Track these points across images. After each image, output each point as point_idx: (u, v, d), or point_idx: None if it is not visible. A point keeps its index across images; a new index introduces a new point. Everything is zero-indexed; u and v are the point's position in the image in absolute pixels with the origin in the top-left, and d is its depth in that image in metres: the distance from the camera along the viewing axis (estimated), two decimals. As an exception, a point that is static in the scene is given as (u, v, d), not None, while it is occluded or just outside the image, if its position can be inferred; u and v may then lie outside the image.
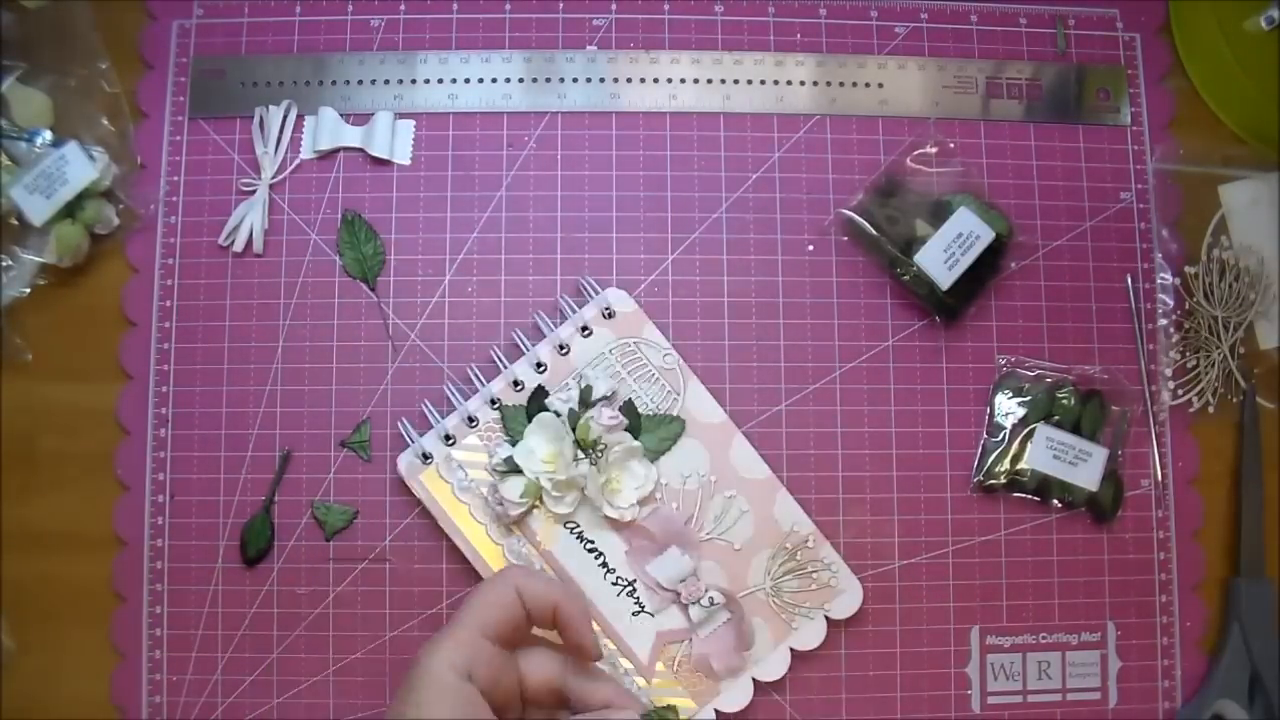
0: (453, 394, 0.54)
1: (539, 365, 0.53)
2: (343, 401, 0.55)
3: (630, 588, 0.52)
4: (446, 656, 0.39)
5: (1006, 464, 0.55)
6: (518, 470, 0.52)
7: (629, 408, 0.53)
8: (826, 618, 0.53)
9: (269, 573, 0.53)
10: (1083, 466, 0.54)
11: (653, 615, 0.52)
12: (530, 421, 0.52)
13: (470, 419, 0.53)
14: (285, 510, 0.54)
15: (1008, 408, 0.55)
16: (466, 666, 0.39)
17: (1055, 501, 0.55)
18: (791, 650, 0.52)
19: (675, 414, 0.53)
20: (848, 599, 0.53)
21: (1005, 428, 0.55)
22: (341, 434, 0.55)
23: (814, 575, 0.53)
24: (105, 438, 0.55)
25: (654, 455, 0.53)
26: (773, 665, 0.52)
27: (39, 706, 0.53)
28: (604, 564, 0.52)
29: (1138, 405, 0.56)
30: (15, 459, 0.54)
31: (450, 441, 0.53)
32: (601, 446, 0.51)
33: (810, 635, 0.52)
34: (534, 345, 0.54)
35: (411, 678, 0.39)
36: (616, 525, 0.52)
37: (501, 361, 0.54)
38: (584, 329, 0.54)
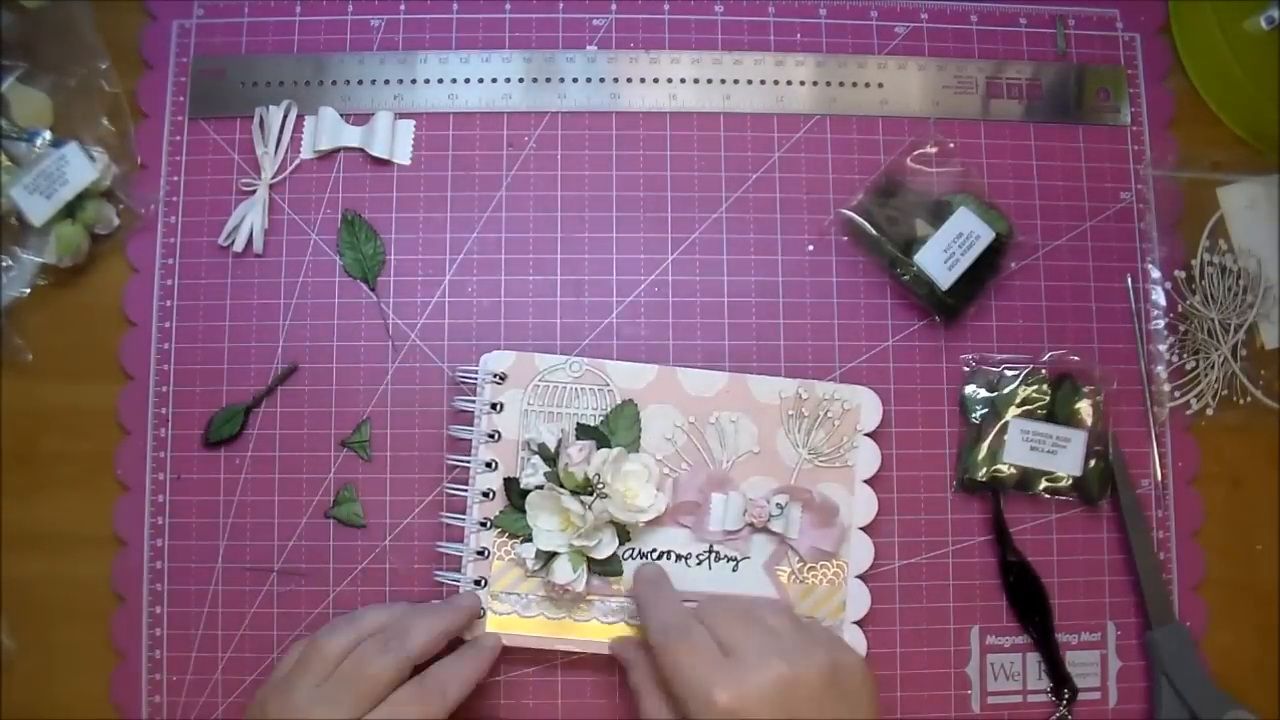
0: (446, 548, 0.53)
1: (489, 464, 0.52)
2: (343, 401, 0.55)
3: (713, 554, 0.52)
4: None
5: (985, 462, 0.55)
6: (553, 554, 0.51)
7: (583, 430, 0.53)
8: (864, 435, 0.54)
9: (269, 573, 0.54)
10: (1063, 453, 0.54)
11: (749, 557, 0.52)
12: (525, 512, 0.51)
13: (481, 552, 0.52)
14: (286, 509, 0.54)
15: (978, 405, 0.55)
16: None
17: (1042, 493, 0.55)
18: (866, 484, 0.54)
19: (619, 401, 0.53)
20: (869, 413, 0.54)
21: (979, 426, 0.55)
22: (341, 434, 0.55)
23: (829, 416, 0.53)
24: (105, 438, 0.55)
25: (635, 445, 0.53)
26: (866, 508, 0.54)
27: (39, 706, 0.53)
28: (676, 556, 0.52)
29: (1110, 382, 0.56)
30: (15, 459, 0.54)
31: (482, 584, 0.52)
32: (594, 476, 0.51)
33: (869, 464, 0.54)
34: (469, 454, 0.53)
35: None
36: (659, 522, 0.52)
37: (458, 489, 0.53)
38: (493, 406, 0.53)
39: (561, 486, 0.51)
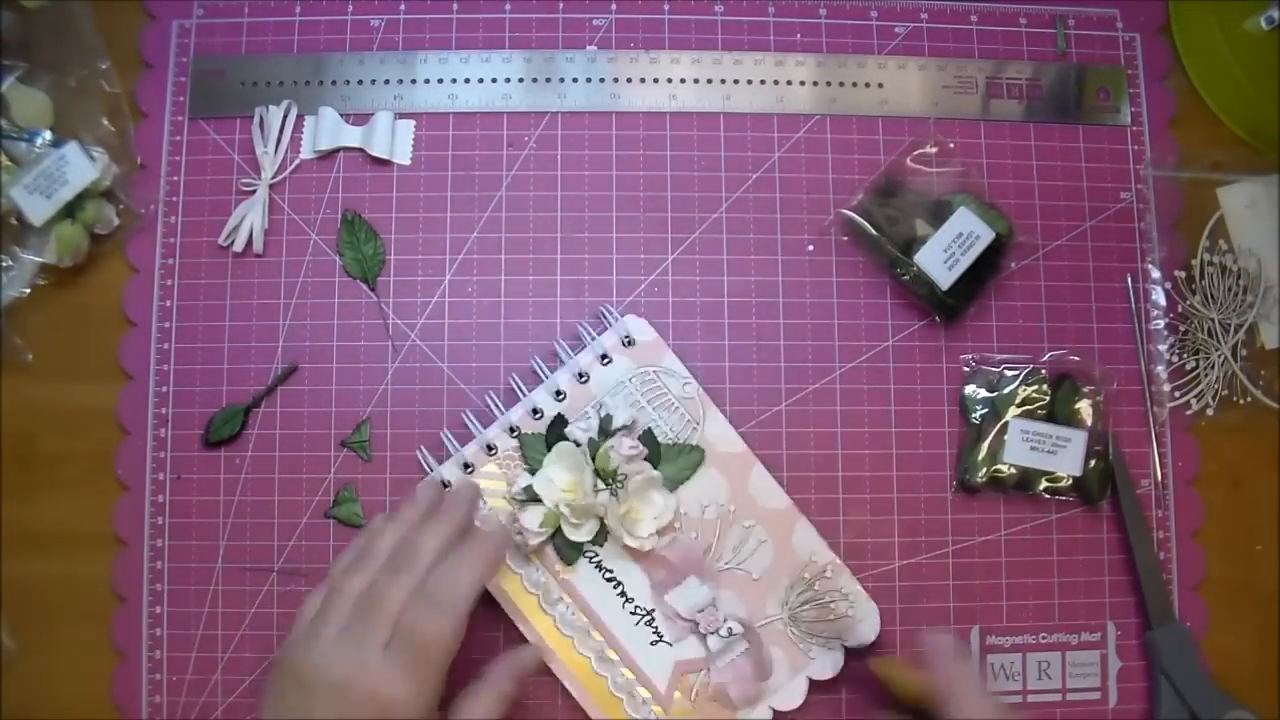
0: (471, 421, 0.53)
1: (558, 393, 0.53)
2: (343, 401, 0.55)
3: (649, 617, 0.52)
4: (425, 704, 0.43)
5: (985, 462, 0.55)
6: (537, 499, 0.51)
7: (649, 437, 0.53)
8: (845, 647, 0.52)
9: (269, 573, 0.53)
10: (1063, 453, 0.54)
11: (671, 645, 0.52)
12: (550, 450, 0.52)
13: (489, 447, 0.53)
14: (286, 509, 0.54)
15: (978, 405, 0.55)
16: (435, 706, 0.43)
17: (1042, 493, 0.55)
18: (810, 680, 0.52)
19: (694, 443, 0.53)
20: (865, 628, 0.53)
21: (979, 426, 0.55)
22: (341, 434, 0.55)
23: (831, 605, 0.53)
24: (105, 438, 0.55)
25: (673, 484, 0.53)
26: (790, 694, 0.52)
27: (39, 706, 0.53)
28: (622, 593, 0.52)
29: (1110, 382, 0.56)
30: (15, 459, 0.54)
31: (469, 469, 0.53)
32: (621, 476, 0.51)
33: (827, 665, 0.52)
34: (552, 372, 0.54)
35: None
36: (636, 555, 0.52)
37: (520, 389, 0.54)
38: (603, 357, 0.53)
39: (593, 460, 0.51)
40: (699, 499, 0.53)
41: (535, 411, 0.53)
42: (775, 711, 0.52)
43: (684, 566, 0.52)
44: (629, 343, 0.53)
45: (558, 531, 0.52)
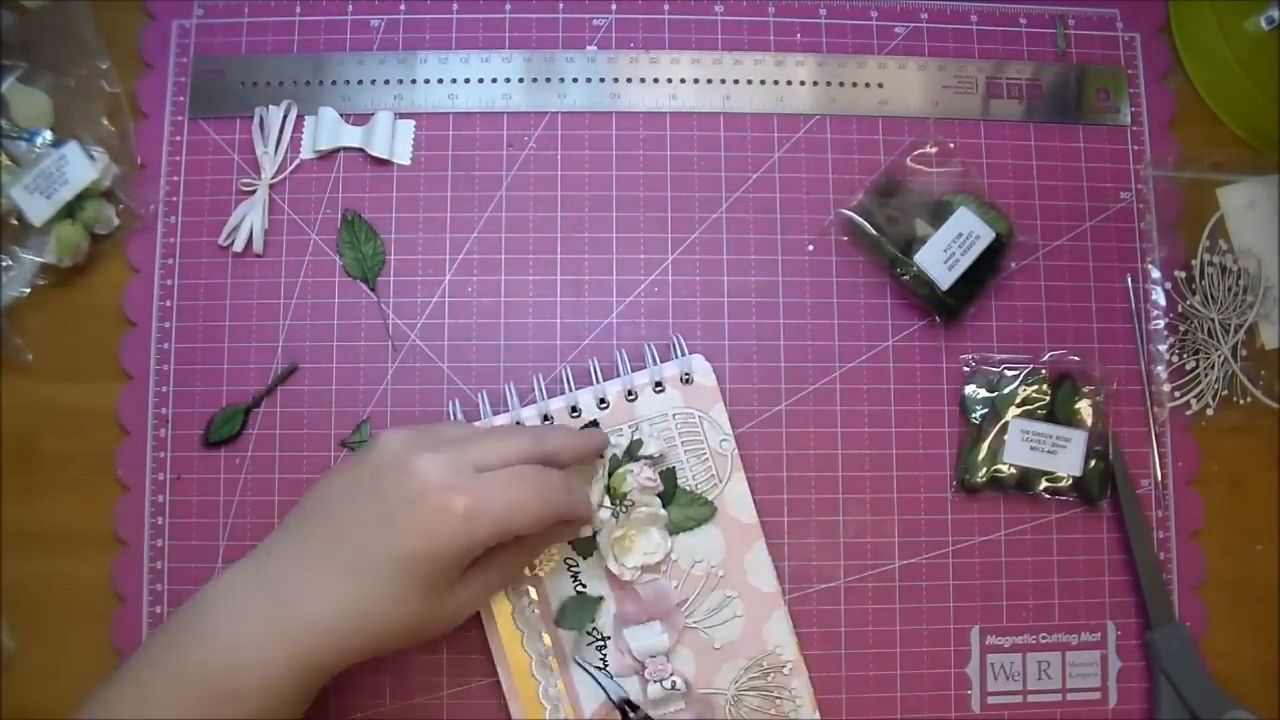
0: (481, 400, 0.53)
1: (602, 401, 0.53)
2: (343, 401, 0.55)
3: (602, 642, 0.52)
4: (491, 532, 0.43)
5: (985, 462, 0.55)
6: None
7: (670, 476, 0.53)
8: None
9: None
10: (1063, 453, 0.54)
11: (611, 677, 0.52)
12: None
13: (518, 423, 0.53)
14: (286, 510, 0.54)
15: (978, 405, 0.55)
16: (494, 542, 0.44)
17: (1042, 493, 0.55)
18: None
19: (710, 499, 0.53)
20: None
21: (979, 426, 0.55)
22: (341, 434, 0.55)
23: (777, 700, 0.52)
24: (105, 438, 0.55)
25: (675, 529, 0.52)
26: None
27: (39, 706, 0.53)
28: (592, 604, 0.52)
29: (1110, 382, 0.56)
30: (15, 459, 0.54)
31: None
32: (629, 502, 0.51)
33: None
34: (605, 380, 0.54)
35: (456, 529, 0.42)
36: (614, 581, 0.52)
37: (568, 383, 0.54)
38: (657, 384, 0.53)
39: (608, 476, 0.52)
40: (693, 552, 0.52)
41: (574, 409, 0.53)
42: None
43: (653, 608, 0.52)
44: (687, 380, 0.53)
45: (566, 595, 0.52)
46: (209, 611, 0.43)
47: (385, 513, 0.42)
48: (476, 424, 0.52)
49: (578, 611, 0.52)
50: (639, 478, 0.51)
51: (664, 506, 0.52)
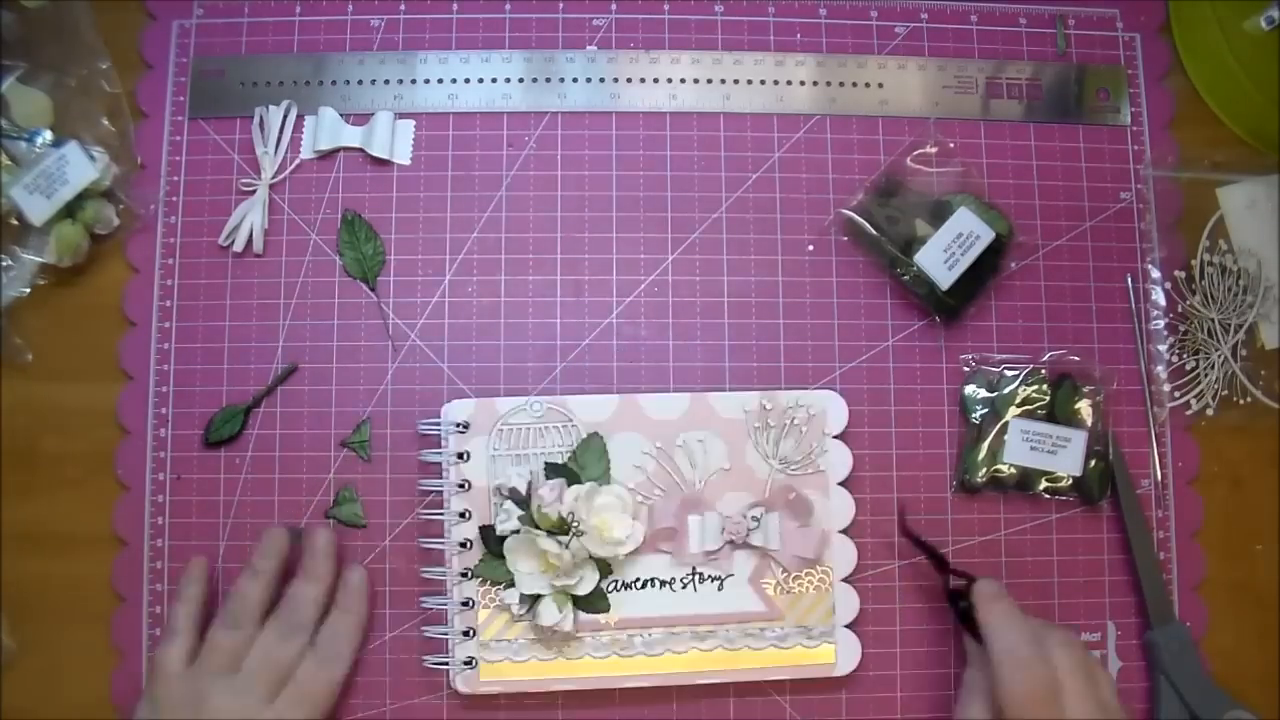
0: (427, 601, 0.53)
1: (463, 514, 0.52)
2: (343, 401, 0.55)
3: (696, 576, 0.52)
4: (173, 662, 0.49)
5: (985, 463, 0.55)
6: (538, 597, 0.51)
7: (552, 469, 0.52)
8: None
9: (269, 573, 0.54)
10: (1063, 453, 0.54)
11: (733, 574, 0.52)
12: (503, 559, 0.51)
13: (466, 602, 0.52)
14: (286, 510, 0.54)
15: (978, 405, 0.55)
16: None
17: (1042, 493, 0.55)
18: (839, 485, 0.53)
19: (584, 435, 0.53)
20: (834, 416, 0.54)
21: (979, 426, 0.55)
22: (341, 434, 0.55)
23: (796, 424, 0.53)
24: (105, 438, 0.55)
25: (606, 477, 0.52)
26: (837, 510, 0.53)
27: (39, 706, 0.53)
28: (660, 583, 0.52)
29: (1110, 382, 0.56)
30: (15, 459, 0.54)
31: (471, 635, 0.52)
32: (569, 514, 0.51)
33: (839, 460, 0.53)
34: (441, 509, 0.52)
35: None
36: (638, 551, 0.52)
37: (436, 543, 0.52)
38: (460, 456, 0.52)
39: (537, 528, 0.51)
40: (632, 465, 0.52)
41: (465, 545, 0.52)
42: (843, 533, 0.53)
43: (676, 519, 0.52)
44: (465, 428, 0.53)
45: (575, 599, 0.51)
46: None
47: None
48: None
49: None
50: (547, 501, 0.50)
51: (580, 482, 0.52)
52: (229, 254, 0.56)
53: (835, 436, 0.54)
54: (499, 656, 0.52)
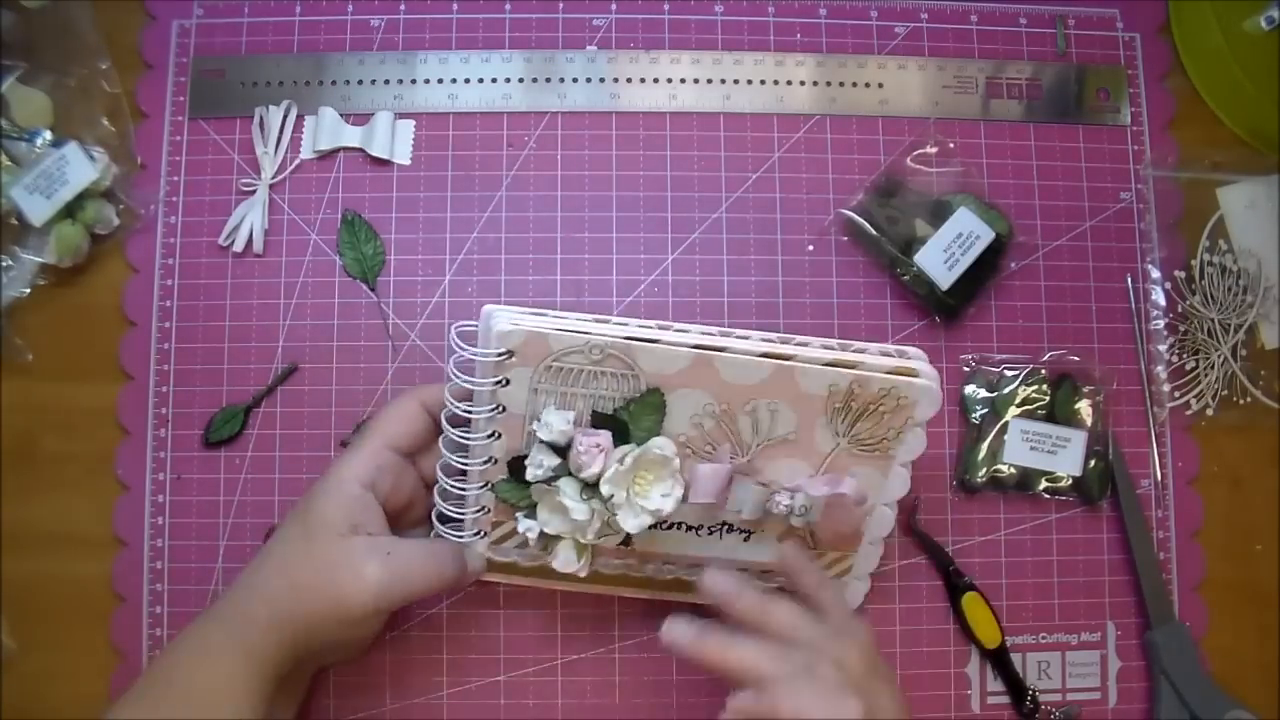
0: (443, 507, 0.49)
1: (492, 435, 0.47)
2: (343, 401, 0.55)
3: (725, 526, 0.49)
4: (352, 469, 0.46)
5: (985, 463, 0.55)
6: (556, 538, 0.47)
7: (599, 418, 0.47)
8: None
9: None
10: (1063, 453, 0.54)
11: (763, 530, 0.49)
12: (528, 485, 0.47)
13: (482, 509, 0.48)
14: (286, 510, 0.54)
15: (978, 405, 0.55)
16: (370, 478, 0.46)
17: (1042, 493, 0.55)
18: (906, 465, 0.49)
19: (645, 388, 0.46)
20: (925, 405, 0.48)
21: (979, 426, 0.55)
22: (341, 434, 0.55)
23: (881, 411, 0.48)
24: (105, 438, 0.55)
25: (653, 431, 0.47)
26: (893, 486, 0.49)
27: (39, 706, 0.53)
28: (686, 527, 0.49)
29: (1110, 382, 0.56)
30: (15, 459, 0.54)
31: (481, 535, 0.49)
32: (605, 490, 0.46)
33: (913, 445, 0.49)
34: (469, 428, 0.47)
35: (320, 483, 0.46)
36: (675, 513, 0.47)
37: (460, 461, 0.48)
38: (498, 381, 0.46)
39: (570, 476, 0.47)
40: (690, 419, 0.47)
41: (490, 461, 0.47)
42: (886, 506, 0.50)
43: (719, 495, 0.47)
44: (508, 355, 0.46)
45: (627, 538, 0.48)
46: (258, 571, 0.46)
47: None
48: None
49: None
50: (585, 458, 0.45)
51: (629, 436, 0.46)
52: (229, 254, 0.56)
53: (918, 425, 0.49)
54: (508, 559, 0.49)
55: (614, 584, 0.51)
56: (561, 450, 0.47)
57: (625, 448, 0.46)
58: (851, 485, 0.48)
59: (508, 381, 0.46)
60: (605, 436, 0.46)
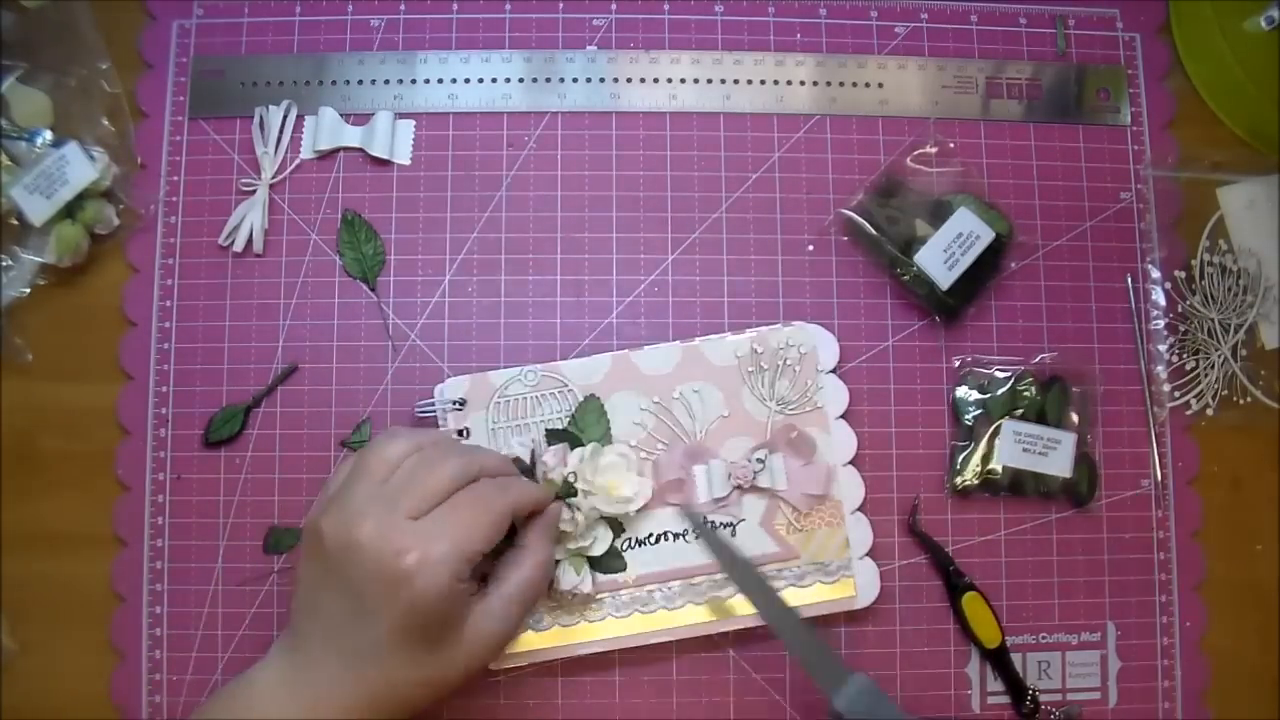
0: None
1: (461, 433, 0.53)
2: (343, 401, 0.55)
3: (708, 524, 0.52)
4: (452, 570, 0.42)
5: (977, 465, 0.55)
6: (555, 563, 0.51)
7: (553, 435, 0.52)
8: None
9: (269, 572, 0.54)
10: (1053, 455, 0.54)
11: (744, 519, 0.53)
12: (513, 532, 0.50)
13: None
14: (286, 509, 0.54)
15: (970, 408, 0.55)
16: (464, 575, 0.43)
17: (1033, 495, 0.55)
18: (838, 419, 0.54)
19: (581, 398, 0.53)
20: (825, 353, 0.54)
21: (971, 428, 0.55)
22: (341, 434, 0.55)
23: (788, 364, 0.54)
24: (105, 438, 0.55)
25: (607, 438, 0.53)
26: (840, 443, 0.54)
27: (39, 706, 0.53)
28: (673, 536, 0.52)
29: (1098, 384, 0.56)
30: (15, 459, 0.54)
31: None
32: (573, 476, 0.50)
33: (835, 394, 0.54)
34: None
35: (419, 583, 0.42)
36: (648, 506, 0.52)
37: None
38: (460, 433, 0.53)
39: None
40: (631, 423, 0.53)
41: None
42: (849, 464, 0.54)
43: (682, 471, 0.52)
44: (461, 404, 0.53)
45: (591, 561, 0.52)
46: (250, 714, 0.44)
47: (354, 597, 0.42)
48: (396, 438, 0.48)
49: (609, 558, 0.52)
50: (552, 467, 0.50)
51: (582, 444, 0.51)
52: (229, 254, 0.56)
53: (829, 372, 0.54)
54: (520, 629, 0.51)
55: (631, 628, 0.52)
56: (529, 471, 0.51)
57: (584, 448, 0.51)
58: (795, 435, 0.53)
59: (468, 431, 0.53)
60: (563, 447, 0.51)
